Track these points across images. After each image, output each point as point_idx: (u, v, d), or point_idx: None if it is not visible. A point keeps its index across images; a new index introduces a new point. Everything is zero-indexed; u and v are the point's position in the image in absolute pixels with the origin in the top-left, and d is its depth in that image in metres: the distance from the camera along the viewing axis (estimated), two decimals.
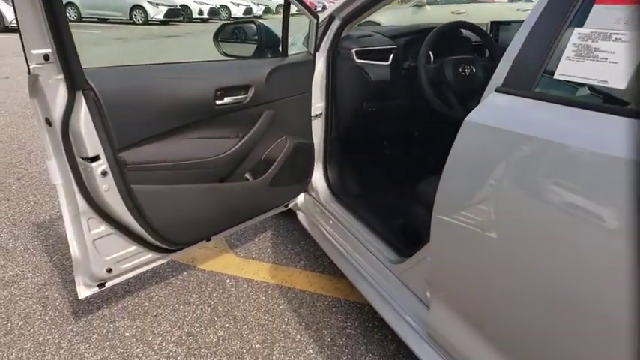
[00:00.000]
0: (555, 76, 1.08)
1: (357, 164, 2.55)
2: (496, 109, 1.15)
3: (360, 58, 2.09)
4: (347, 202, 2.23)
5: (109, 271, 1.70)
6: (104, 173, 1.51)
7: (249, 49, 2.12)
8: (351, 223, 2.12)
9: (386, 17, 6.81)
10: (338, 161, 2.39)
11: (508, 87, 1.15)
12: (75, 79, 1.37)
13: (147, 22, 16.02)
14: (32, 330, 1.92)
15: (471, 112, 1.20)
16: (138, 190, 1.60)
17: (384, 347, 1.89)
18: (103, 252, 1.67)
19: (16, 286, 2.19)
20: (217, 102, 1.74)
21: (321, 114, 2.26)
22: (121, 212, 1.61)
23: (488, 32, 2.42)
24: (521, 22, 1.18)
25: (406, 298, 1.71)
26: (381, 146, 2.77)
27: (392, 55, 2.15)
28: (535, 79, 1.09)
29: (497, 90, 1.17)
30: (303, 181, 2.24)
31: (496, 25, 2.36)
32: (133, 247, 1.75)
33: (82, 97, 1.41)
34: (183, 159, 1.69)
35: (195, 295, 2.17)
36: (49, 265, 2.36)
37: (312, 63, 2.10)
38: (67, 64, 1.35)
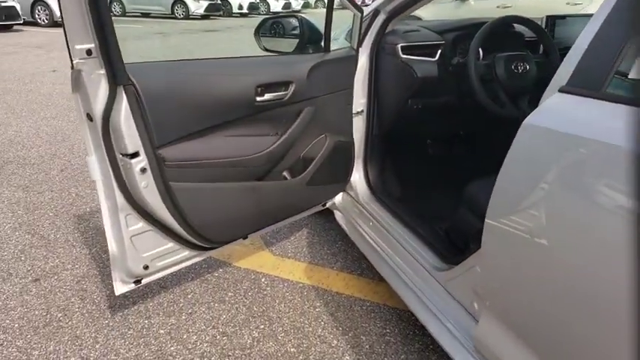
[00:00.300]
0: (631, 76, 0.98)
1: (399, 163, 2.46)
2: (560, 111, 1.05)
3: (406, 54, 2.00)
4: (388, 202, 2.15)
5: (146, 268, 1.69)
6: (143, 170, 1.48)
7: (290, 44, 2.06)
8: (392, 225, 2.03)
9: (427, 11, 6.63)
10: (379, 160, 2.31)
11: (574, 87, 1.05)
12: (116, 74, 1.35)
13: (188, 16, 16.30)
14: (70, 323, 1.93)
15: (532, 114, 1.10)
16: (176, 188, 1.57)
17: (424, 357, 1.80)
18: (140, 249, 1.65)
19: (56, 277, 2.21)
20: (257, 99, 1.69)
21: (362, 111, 2.18)
22: (159, 209, 1.58)
23: (544, 27, 2.28)
24: (580, 16, 1.07)
25: (451, 309, 1.62)
26: (425, 145, 2.67)
27: (439, 51, 2.04)
28: (606, 79, 0.99)
29: (561, 90, 1.07)
30: (342, 181, 2.17)
31: (552, 20, 2.22)
32: (170, 245, 1.72)
33: (123, 92, 1.38)
34: (221, 157, 1.65)
35: (230, 294, 2.14)
36: (88, 257, 2.38)
37: (354, 58, 2.02)
38: (109, 59, 1.32)
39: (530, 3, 6.36)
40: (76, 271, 2.26)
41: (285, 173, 1.93)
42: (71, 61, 1.30)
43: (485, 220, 1.24)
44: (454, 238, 1.88)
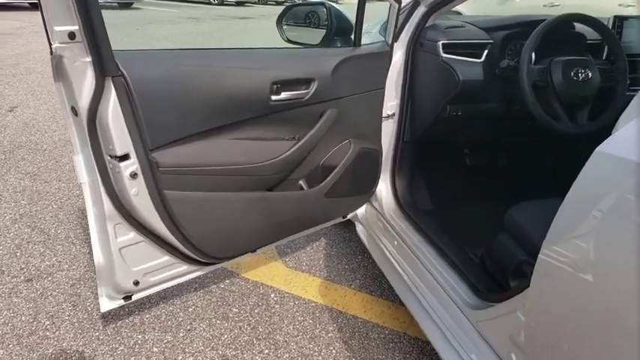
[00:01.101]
0: None
1: (431, 175, 2.21)
2: None
3: (448, 53, 1.74)
4: (416, 219, 1.91)
5: (137, 283, 1.49)
6: (134, 175, 1.28)
7: (316, 35, 1.83)
8: (420, 246, 1.79)
9: (468, 7, 6.26)
10: (408, 170, 2.06)
11: None
12: (104, 63, 1.14)
13: (222, 2, 16.21)
14: (57, 333, 1.76)
15: (608, 141, 0.85)
16: (172, 197, 1.36)
17: None
18: (131, 262, 1.46)
19: (49, 278, 2.04)
20: (273, 97, 1.46)
21: (393, 114, 1.94)
22: (152, 220, 1.38)
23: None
24: None
25: (482, 353, 1.39)
26: (461, 155, 2.40)
27: (486, 52, 1.78)
28: None
29: None
30: (366, 192, 1.93)
31: (620, 21, 1.92)
32: (166, 258, 1.52)
33: (112, 84, 1.18)
34: (227, 163, 1.43)
35: (235, 310, 1.93)
36: (87, 257, 2.20)
37: (388, 55, 1.78)
38: (95, 45, 1.12)
39: (579, 2, 5.94)
40: (72, 273, 2.09)
41: (301, 182, 1.70)
42: (50, 45, 1.10)
43: (540, 255, 0.99)
44: (491, 269, 1.63)
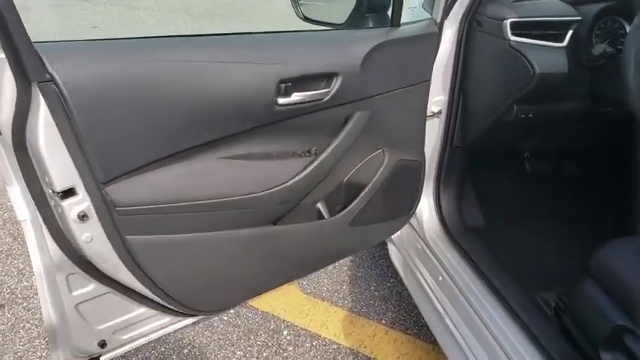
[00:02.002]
0: None
1: (485, 188, 1.77)
2: None
3: (518, 35, 1.30)
4: (465, 245, 1.50)
5: (103, 345, 1.15)
6: (83, 217, 0.91)
7: (341, 11, 1.40)
8: (470, 284, 1.40)
9: None
10: (457, 182, 1.64)
11: None
12: (24, 62, 0.77)
13: None
14: None
15: None
16: (141, 244, 1.00)
17: None
18: (93, 320, 1.11)
19: (24, 305, 1.73)
20: (280, 100, 1.06)
21: (439, 112, 1.51)
22: (117, 272, 1.02)
23: None
24: None
25: None
26: (521, 160, 1.94)
27: (570, 33, 1.32)
28: None
29: None
30: (403, 214, 1.53)
31: None
32: (141, 311, 1.17)
33: (40, 93, 0.80)
34: (216, 195, 1.05)
35: (239, 353, 1.59)
36: None
37: (436, 37, 1.34)
38: (10, 40, 0.74)
39: None
40: None
41: (319, 206, 1.31)
42: None
43: None
44: (570, 328, 1.23)
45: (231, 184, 1.07)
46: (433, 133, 1.53)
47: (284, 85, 1.06)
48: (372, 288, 1.89)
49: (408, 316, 1.76)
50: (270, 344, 1.62)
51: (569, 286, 1.28)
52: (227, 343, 1.62)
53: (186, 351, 1.58)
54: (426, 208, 1.63)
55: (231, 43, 1.04)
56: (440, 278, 1.50)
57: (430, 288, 1.53)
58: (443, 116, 1.52)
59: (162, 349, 1.59)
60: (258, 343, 1.62)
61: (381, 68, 1.22)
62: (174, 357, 1.56)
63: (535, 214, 1.78)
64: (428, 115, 1.46)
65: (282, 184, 1.14)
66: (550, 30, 1.32)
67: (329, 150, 1.20)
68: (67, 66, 0.82)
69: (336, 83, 1.13)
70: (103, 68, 0.86)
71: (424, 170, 1.50)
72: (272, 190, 1.12)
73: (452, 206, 1.63)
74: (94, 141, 0.87)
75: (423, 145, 1.46)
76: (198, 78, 0.95)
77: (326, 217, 1.30)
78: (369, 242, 1.54)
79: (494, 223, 1.70)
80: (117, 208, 0.93)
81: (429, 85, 1.39)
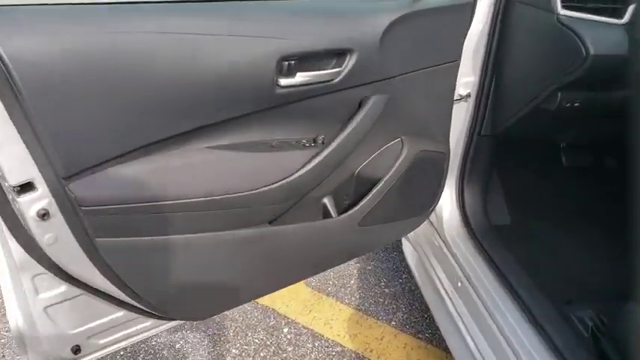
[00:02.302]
0: None
1: (515, 183, 1.58)
2: None
3: (568, 7, 1.10)
4: (490, 249, 1.34)
5: (76, 350, 1.02)
6: (43, 216, 0.77)
7: None
8: (494, 296, 1.24)
9: None
10: (483, 175, 1.47)
11: None
12: None
13: None
14: None
15: None
16: (111, 248, 0.85)
17: None
18: (65, 324, 0.98)
19: None
20: (282, 81, 0.89)
21: (468, 96, 1.33)
22: (86, 275, 0.89)
23: None
24: None
25: None
26: (556, 152, 1.72)
27: (631, 8, 1.11)
28: None
29: None
30: (421, 213, 1.35)
31: None
32: (120, 314, 1.04)
33: None
34: (201, 193, 0.89)
35: (234, 351, 1.46)
36: None
37: (469, 9, 1.14)
38: None
39: None
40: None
41: (325, 200, 1.14)
42: None
43: None
44: (609, 352, 1.07)
45: (222, 180, 0.91)
46: (459, 119, 1.35)
47: (286, 63, 0.88)
48: (382, 284, 1.74)
49: (420, 318, 1.61)
50: (268, 343, 1.49)
51: (609, 302, 1.12)
52: (223, 339, 1.49)
53: (178, 346, 1.47)
54: (447, 203, 1.46)
55: (222, 11, 0.86)
56: (459, 284, 1.34)
57: (447, 294, 1.37)
58: (471, 100, 1.34)
59: (153, 343, 1.47)
60: (256, 341, 1.49)
61: (403, 45, 1.04)
62: (164, 352, 1.44)
63: (570, 214, 1.59)
64: (455, 99, 1.28)
65: (284, 179, 0.98)
66: (608, 3, 1.11)
67: (339, 139, 1.03)
68: (14, 37, 0.66)
69: (350, 62, 0.95)
70: (60, 40, 0.70)
71: (448, 162, 1.32)
72: (270, 187, 0.96)
73: (476, 202, 1.46)
74: (51, 128, 0.71)
75: (449, 134, 1.28)
76: (179, 53, 0.78)
77: (333, 214, 1.14)
78: (379, 242, 1.39)
79: (522, 223, 1.52)
80: (83, 208, 0.78)
81: (459, 65, 1.20)
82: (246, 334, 1.51)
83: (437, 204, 1.37)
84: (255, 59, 0.85)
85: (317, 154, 1.02)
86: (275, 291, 1.17)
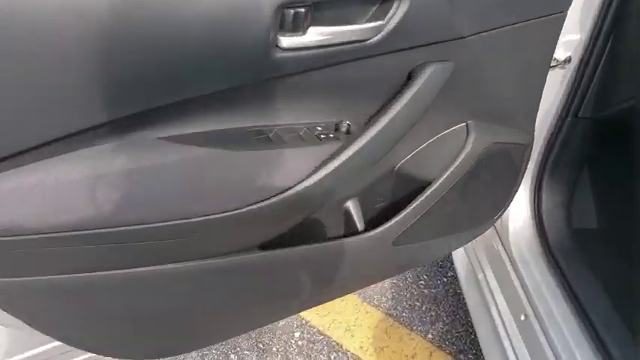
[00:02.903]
0: None
1: (613, 185, 1.18)
2: None
3: None
4: (571, 273, 1.00)
5: None
6: None
7: None
8: (569, 338, 0.93)
9: None
10: (571, 172, 1.09)
11: None
12: None
13: None
14: None
15: None
16: (20, 287, 0.58)
17: None
18: None
19: None
20: (283, 41, 0.54)
21: (567, 61, 0.94)
22: None
23: None
24: None
25: None
26: None
27: None
28: None
29: None
30: (483, 222, 1.00)
31: None
32: (57, 344, 0.78)
33: None
34: (153, 216, 0.58)
35: (233, 356, 1.22)
36: None
37: None
38: None
39: None
40: None
41: (349, 204, 0.81)
42: None
43: None
44: None
45: (188, 192, 0.59)
46: (548, 93, 0.96)
47: (292, 11, 0.53)
48: (422, 283, 1.43)
49: (464, 332, 1.31)
50: (275, 350, 1.24)
51: None
52: (223, 342, 1.25)
53: None
54: (518, 207, 1.10)
55: None
56: (522, 317, 1.01)
57: (504, 327, 1.05)
58: (571, 68, 0.95)
59: None
60: (260, 346, 1.24)
61: None
62: None
63: None
64: (551, 65, 0.90)
65: (286, 190, 0.64)
66: None
67: (376, 127, 0.69)
68: None
69: (397, 12, 0.59)
70: None
71: (528, 158, 0.95)
72: (264, 204, 0.63)
73: (558, 207, 1.11)
74: None
75: (534, 119, 0.90)
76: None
77: (359, 225, 0.81)
78: (429, 257, 1.06)
79: (619, 242, 1.13)
80: None
81: (563, 20, 0.81)
82: (250, 336, 1.26)
83: (506, 210, 1.01)
84: (241, 6, 0.50)
85: (339, 150, 0.68)
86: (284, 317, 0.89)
